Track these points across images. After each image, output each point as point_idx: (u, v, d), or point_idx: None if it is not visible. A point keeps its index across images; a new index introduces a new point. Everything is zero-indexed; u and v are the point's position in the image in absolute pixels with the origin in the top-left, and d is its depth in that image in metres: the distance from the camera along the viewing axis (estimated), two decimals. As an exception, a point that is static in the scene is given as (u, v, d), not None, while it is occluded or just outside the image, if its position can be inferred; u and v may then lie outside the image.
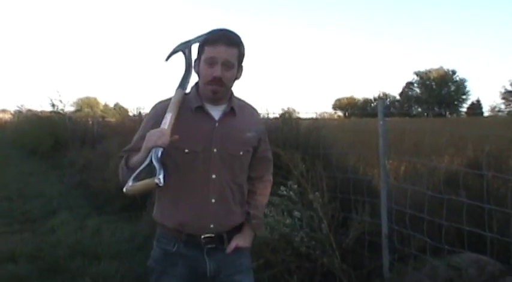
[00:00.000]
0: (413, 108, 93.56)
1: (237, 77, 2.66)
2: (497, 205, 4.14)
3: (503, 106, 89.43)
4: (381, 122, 5.06)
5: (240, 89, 2.78)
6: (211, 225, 2.66)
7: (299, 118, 8.07)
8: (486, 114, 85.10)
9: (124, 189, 2.33)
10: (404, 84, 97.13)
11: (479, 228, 4.14)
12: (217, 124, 2.64)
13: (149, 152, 2.36)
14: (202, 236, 2.66)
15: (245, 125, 2.74)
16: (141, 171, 2.35)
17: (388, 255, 4.93)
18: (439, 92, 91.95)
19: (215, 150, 2.62)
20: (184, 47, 2.88)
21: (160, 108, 2.65)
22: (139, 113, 15.15)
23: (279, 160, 5.12)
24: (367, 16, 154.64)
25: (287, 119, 7.86)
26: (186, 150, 2.59)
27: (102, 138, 15.10)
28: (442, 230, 4.25)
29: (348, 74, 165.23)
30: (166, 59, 2.92)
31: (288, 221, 4.86)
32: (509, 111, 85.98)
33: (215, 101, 2.64)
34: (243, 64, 2.68)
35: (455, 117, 67.64)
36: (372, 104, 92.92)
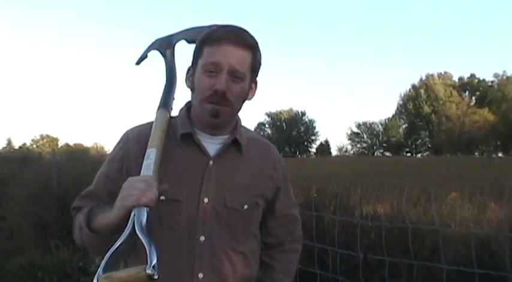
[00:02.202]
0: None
1: (248, 97, 1.89)
2: (330, 244, 4.31)
3: (349, 146, 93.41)
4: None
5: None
6: None
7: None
8: (334, 154, 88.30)
9: (94, 281, 1.46)
10: (256, 125, 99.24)
11: (311, 266, 4.28)
12: (211, 162, 1.83)
13: (128, 215, 1.57)
14: None
15: (255, 166, 1.93)
16: (117, 249, 1.53)
17: None
18: (289, 132, 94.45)
19: (206, 200, 1.80)
20: (163, 46, 2.13)
21: (134, 137, 1.89)
22: (9, 142, 14.36)
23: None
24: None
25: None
26: (162, 198, 1.69)
27: None
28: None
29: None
30: (138, 63, 2.19)
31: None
32: (355, 152, 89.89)
33: (214, 129, 1.85)
34: (258, 79, 1.92)
35: (305, 158, 69.71)
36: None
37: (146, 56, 2.19)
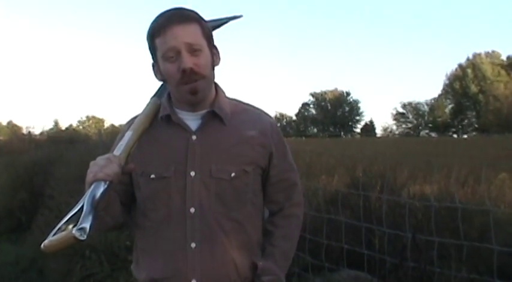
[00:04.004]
0: (309, 128, 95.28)
1: (215, 63, 1.93)
2: (377, 224, 4.26)
3: (394, 127, 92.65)
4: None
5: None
6: (193, 281, 1.88)
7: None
8: (379, 134, 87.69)
9: (42, 246, 1.64)
10: (300, 105, 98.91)
11: (358, 246, 4.24)
12: (194, 137, 1.91)
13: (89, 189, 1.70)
14: None
15: (241, 135, 1.96)
16: (68, 220, 1.65)
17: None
18: (334, 113, 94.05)
19: (193, 173, 1.88)
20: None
21: (127, 122, 2.03)
22: (29, 132, 14.62)
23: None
24: (270, 39, 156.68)
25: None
26: (152, 176, 1.90)
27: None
28: (323, 248, 4.34)
29: (246, 94, 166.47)
30: None
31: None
32: (400, 132, 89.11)
33: (194, 106, 1.92)
34: (216, 45, 1.97)
35: (349, 138, 69.39)
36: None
37: None
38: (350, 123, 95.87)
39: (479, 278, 3.60)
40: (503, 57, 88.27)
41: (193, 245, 1.87)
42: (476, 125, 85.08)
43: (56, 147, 12.00)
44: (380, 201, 4.92)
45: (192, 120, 1.94)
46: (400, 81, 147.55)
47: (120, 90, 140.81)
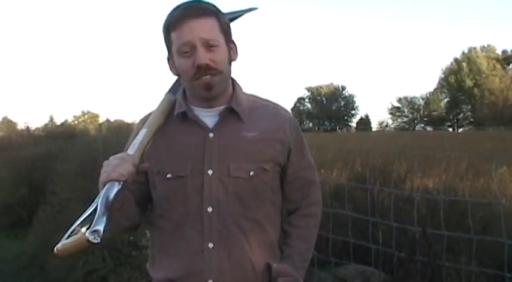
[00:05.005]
0: (304, 122, 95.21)
1: (232, 58, 1.89)
2: (381, 217, 4.26)
3: (390, 121, 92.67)
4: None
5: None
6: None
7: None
8: (374, 129, 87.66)
9: (55, 250, 1.60)
10: (295, 100, 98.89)
11: (364, 240, 4.24)
12: (211, 134, 1.86)
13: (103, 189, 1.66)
14: None
15: (260, 131, 1.90)
16: (82, 221, 1.61)
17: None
18: (329, 107, 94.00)
19: (210, 172, 1.84)
20: None
21: (141, 120, 2.01)
22: (28, 127, 14.57)
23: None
24: (265, 34, 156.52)
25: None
26: (169, 176, 1.85)
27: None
28: (329, 242, 4.34)
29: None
30: None
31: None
32: (396, 126, 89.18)
33: (210, 101, 1.88)
34: (234, 40, 1.92)
35: (345, 132, 69.41)
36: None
37: None
38: (345, 118, 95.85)
39: (488, 272, 3.61)
40: (499, 52, 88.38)
41: (210, 245, 1.83)
42: (471, 119, 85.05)
43: (55, 142, 11.97)
44: (383, 194, 4.92)
45: (208, 117, 1.89)
46: (395, 75, 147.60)
47: (115, 85, 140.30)
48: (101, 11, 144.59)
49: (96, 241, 1.53)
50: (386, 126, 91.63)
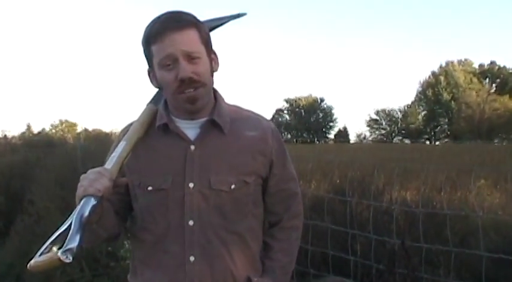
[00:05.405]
0: (283, 134, 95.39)
1: (213, 69, 1.87)
2: (360, 229, 4.28)
3: (368, 133, 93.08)
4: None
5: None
6: None
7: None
8: (352, 141, 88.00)
9: (28, 266, 1.61)
10: (274, 111, 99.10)
11: (343, 252, 4.26)
12: (192, 147, 1.85)
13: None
14: None
15: (241, 144, 1.90)
16: (56, 238, 1.62)
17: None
18: (307, 119, 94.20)
19: (191, 184, 1.82)
20: None
21: (122, 130, 1.99)
22: (5, 135, 14.46)
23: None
24: (243, 45, 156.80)
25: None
26: (150, 188, 1.84)
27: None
28: (308, 254, 4.34)
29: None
30: None
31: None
32: (373, 139, 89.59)
33: (193, 114, 1.86)
34: (215, 49, 1.91)
35: (323, 144, 69.62)
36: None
37: None
38: (324, 130, 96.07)
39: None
40: (476, 65, 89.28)
41: (192, 258, 1.82)
42: (448, 132, 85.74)
43: (33, 151, 11.88)
44: (362, 206, 4.95)
45: (190, 129, 1.88)
46: (374, 87, 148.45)
47: (93, 94, 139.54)
48: (77, 18, 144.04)
49: (68, 261, 1.53)
50: (364, 138, 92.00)
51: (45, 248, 1.60)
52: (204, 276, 1.82)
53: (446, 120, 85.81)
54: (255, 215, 1.96)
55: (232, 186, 1.85)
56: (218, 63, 1.91)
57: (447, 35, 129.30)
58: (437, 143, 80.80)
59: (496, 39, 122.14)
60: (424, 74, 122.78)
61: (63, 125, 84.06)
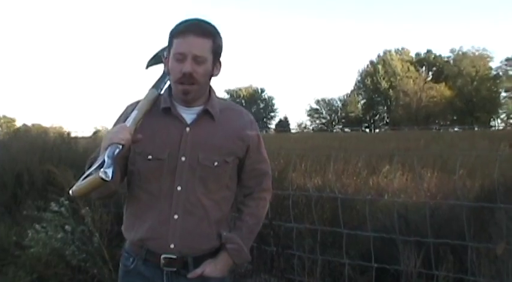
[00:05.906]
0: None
1: (213, 74, 2.31)
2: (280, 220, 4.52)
3: (309, 123, 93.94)
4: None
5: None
6: (172, 246, 2.28)
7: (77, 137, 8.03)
8: (293, 130, 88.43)
9: (70, 192, 2.00)
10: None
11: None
12: (188, 129, 2.29)
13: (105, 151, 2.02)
14: (162, 256, 2.29)
15: (226, 130, 2.36)
16: (92, 170, 1.98)
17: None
18: (248, 109, 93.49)
19: (183, 158, 2.27)
20: (165, 50, 2.50)
21: (131, 104, 2.37)
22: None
23: (54, 178, 5.37)
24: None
25: (64, 137, 7.85)
26: (150, 157, 2.28)
27: None
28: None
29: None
30: (147, 67, 2.67)
31: (59, 235, 4.84)
32: (314, 128, 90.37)
33: (189, 102, 2.31)
34: (221, 59, 2.35)
35: (264, 134, 69.86)
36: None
37: (154, 61, 2.68)
38: (264, 120, 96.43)
39: (353, 263, 3.86)
40: (412, 54, 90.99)
41: (176, 216, 2.27)
42: (387, 120, 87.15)
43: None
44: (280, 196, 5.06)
45: (187, 114, 2.32)
46: (314, 77, 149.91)
47: (31, 89, 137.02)
48: (22, 16, 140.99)
49: (107, 179, 1.89)
50: (305, 127, 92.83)
51: (85, 176, 1.98)
52: (184, 231, 2.28)
53: (385, 108, 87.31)
54: (229, 187, 2.43)
55: (215, 164, 2.31)
56: (220, 70, 2.35)
57: (385, 25, 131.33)
58: (376, 130, 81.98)
59: (432, 29, 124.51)
60: (363, 64, 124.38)
61: (1, 121, 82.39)
